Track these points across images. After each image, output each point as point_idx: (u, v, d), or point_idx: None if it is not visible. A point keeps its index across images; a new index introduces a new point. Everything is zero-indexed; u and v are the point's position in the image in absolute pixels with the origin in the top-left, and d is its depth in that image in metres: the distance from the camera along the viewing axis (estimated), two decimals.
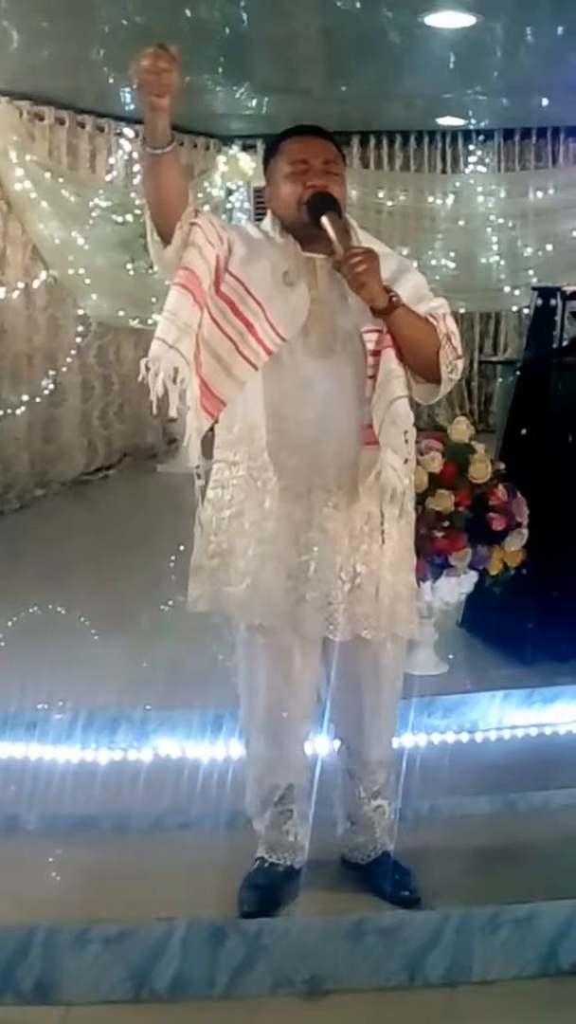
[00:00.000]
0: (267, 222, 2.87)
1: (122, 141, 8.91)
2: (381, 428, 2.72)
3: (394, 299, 2.70)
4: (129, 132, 8.77)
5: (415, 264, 2.99)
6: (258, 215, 2.90)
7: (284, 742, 3.04)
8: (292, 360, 2.77)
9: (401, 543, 2.94)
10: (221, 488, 2.92)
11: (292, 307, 2.75)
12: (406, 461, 2.81)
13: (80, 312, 8.67)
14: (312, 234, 2.74)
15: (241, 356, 2.72)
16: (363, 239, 2.82)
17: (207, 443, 2.82)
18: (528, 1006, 2.73)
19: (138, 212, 7.91)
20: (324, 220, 2.69)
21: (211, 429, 2.82)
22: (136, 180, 8.98)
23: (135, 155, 9.06)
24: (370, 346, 2.74)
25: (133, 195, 8.48)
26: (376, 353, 2.74)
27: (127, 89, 6.64)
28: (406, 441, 2.77)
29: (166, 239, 2.65)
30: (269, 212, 2.88)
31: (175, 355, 2.59)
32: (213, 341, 2.71)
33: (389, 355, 2.75)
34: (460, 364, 2.89)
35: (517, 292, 9.84)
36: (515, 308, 10.22)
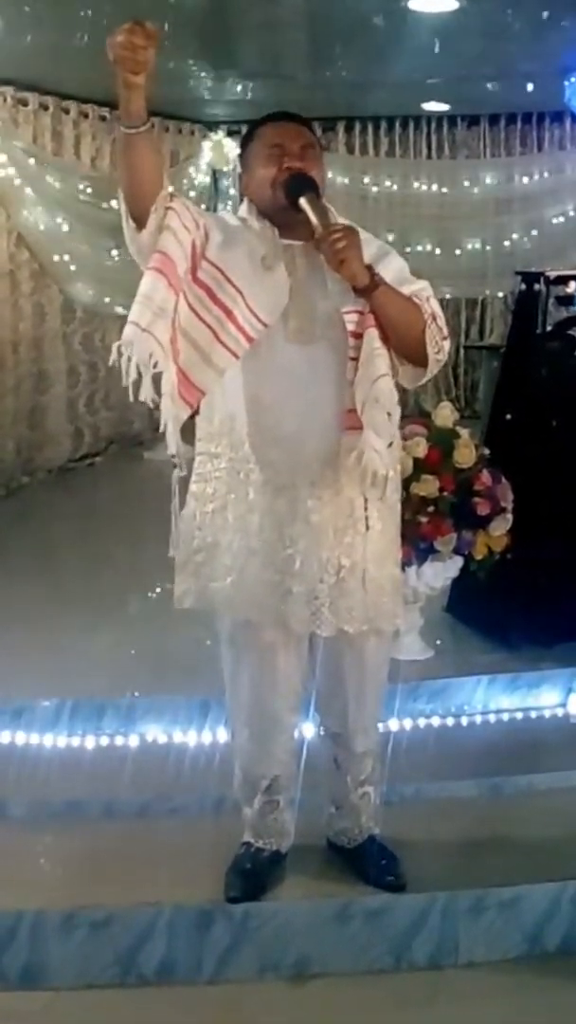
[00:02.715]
0: (243, 208, 2.82)
1: (107, 126, 8.88)
2: (364, 408, 2.66)
3: (376, 277, 2.65)
4: (109, 115, 8.74)
5: (404, 249, 2.96)
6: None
7: (270, 735, 3.03)
8: (271, 348, 2.72)
9: (385, 535, 2.89)
10: (204, 482, 2.88)
11: (272, 292, 2.70)
12: (390, 445, 2.74)
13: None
14: (290, 219, 2.70)
15: (220, 344, 2.66)
16: (343, 223, 2.76)
17: (190, 432, 2.79)
18: (513, 988, 2.75)
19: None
20: (302, 201, 2.64)
21: (192, 418, 2.77)
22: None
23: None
24: (351, 327, 2.67)
25: (118, 182, 8.46)
26: (358, 335, 2.67)
27: (112, 75, 6.59)
28: (390, 419, 2.71)
29: (140, 223, 2.59)
30: (245, 199, 2.83)
31: (149, 339, 2.53)
32: (191, 329, 2.65)
33: (372, 334, 2.68)
34: (447, 345, 2.83)
35: (502, 278, 9.83)
36: (500, 294, 10.22)
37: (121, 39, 2.33)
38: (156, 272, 2.56)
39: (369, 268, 2.64)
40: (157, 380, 2.57)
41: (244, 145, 2.86)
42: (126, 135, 2.52)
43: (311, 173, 2.72)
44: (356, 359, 2.68)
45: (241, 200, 2.87)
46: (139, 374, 2.53)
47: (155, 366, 2.54)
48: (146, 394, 2.56)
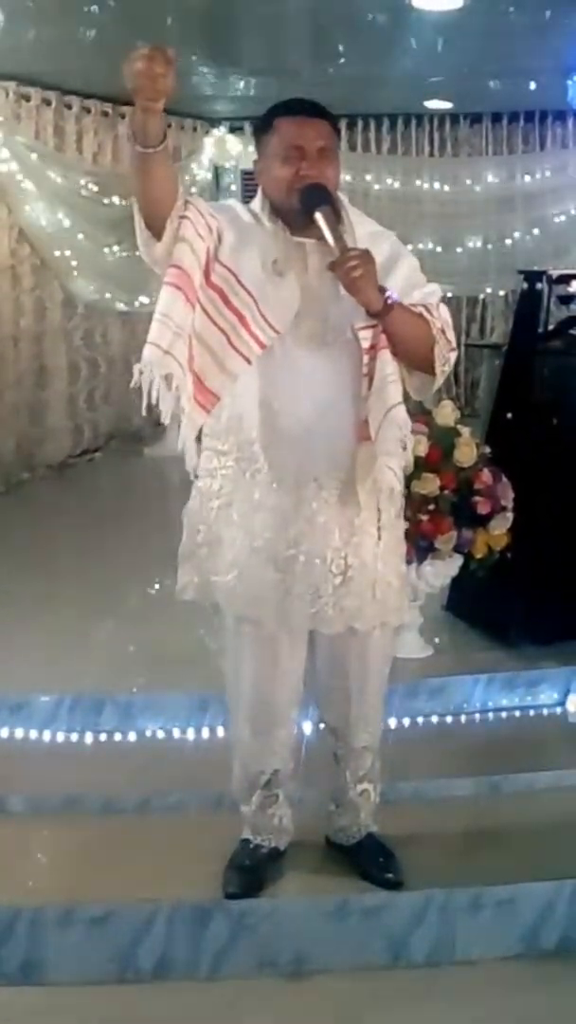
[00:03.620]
0: (257, 203, 2.80)
1: (109, 122, 8.89)
2: (378, 433, 2.69)
3: (389, 301, 2.65)
4: (111, 110, 8.75)
5: (406, 247, 2.94)
6: (246, 197, 2.87)
7: (270, 730, 3.03)
8: (282, 352, 2.72)
9: (392, 533, 2.91)
10: (210, 477, 2.88)
11: (283, 298, 2.69)
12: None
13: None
14: (302, 221, 2.68)
15: (233, 349, 2.67)
16: (354, 218, 2.77)
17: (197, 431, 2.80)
18: (511, 986, 2.75)
19: (125, 194, 7.89)
20: (318, 216, 2.62)
21: None
22: (123, 162, 8.96)
23: (121, 136, 9.04)
24: (365, 343, 2.68)
25: (120, 177, 8.47)
26: (372, 349, 2.68)
27: (114, 70, 6.59)
28: (404, 448, 2.76)
29: (156, 234, 2.58)
30: (260, 191, 2.80)
31: (169, 360, 2.53)
32: (205, 334, 2.65)
33: (385, 357, 2.70)
34: (453, 356, 2.84)
35: (504, 276, 9.82)
36: (501, 292, 10.22)
37: (141, 67, 2.28)
38: (174, 288, 2.55)
39: (382, 290, 2.64)
40: (177, 400, 2.58)
41: (261, 130, 2.79)
42: (142, 155, 2.50)
43: (327, 177, 2.70)
44: (369, 376, 2.69)
45: (244, 195, 2.86)
46: (158, 395, 2.54)
47: (175, 388, 2.56)
48: (165, 415, 2.58)
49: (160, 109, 2.39)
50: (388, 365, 2.71)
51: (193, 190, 9.46)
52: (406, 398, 2.82)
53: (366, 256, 2.61)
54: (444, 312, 2.83)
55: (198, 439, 2.80)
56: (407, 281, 2.78)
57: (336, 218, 2.67)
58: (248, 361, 2.69)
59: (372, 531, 2.84)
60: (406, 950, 2.81)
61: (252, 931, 2.83)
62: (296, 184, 2.68)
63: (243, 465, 2.81)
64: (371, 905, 2.90)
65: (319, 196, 2.66)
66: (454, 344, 2.84)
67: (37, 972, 2.75)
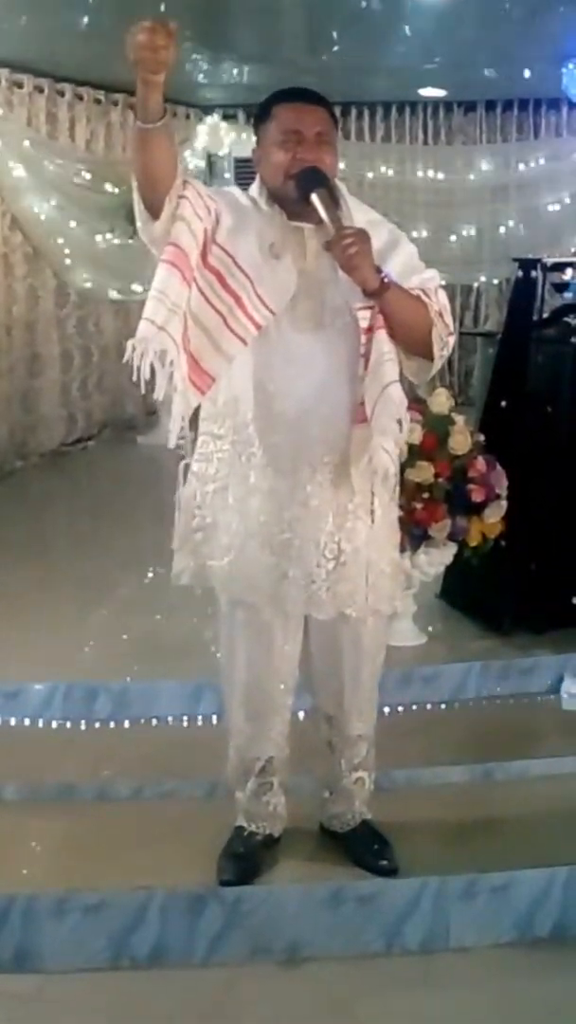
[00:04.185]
0: (255, 188, 2.80)
1: (102, 109, 8.87)
2: (374, 413, 2.68)
3: (385, 280, 2.65)
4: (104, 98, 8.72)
5: None
6: (239, 184, 2.86)
7: (264, 716, 3.04)
8: (279, 334, 2.72)
9: (386, 519, 2.92)
10: (205, 462, 2.88)
11: (280, 280, 2.70)
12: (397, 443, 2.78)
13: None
14: (300, 207, 2.69)
15: (230, 330, 2.66)
16: (352, 206, 2.77)
17: (193, 415, 2.79)
18: (505, 973, 2.76)
19: (119, 181, 7.86)
20: (314, 197, 2.63)
21: None
22: (116, 150, 8.94)
23: (114, 124, 9.01)
24: (363, 324, 2.68)
25: (113, 164, 8.45)
26: (369, 330, 2.68)
27: (107, 57, 6.56)
28: (400, 428, 2.74)
29: (154, 213, 2.58)
30: (257, 177, 2.81)
31: (164, 336, 2.52)
32: (201, 315, 2.65)
33: (381, 336, 2.69)
34: (452, 340, 2.84)
35: (497, 264, 9.82)
36: (496, 280, 10.22)
37: (143, 39, 2.30)
38: (170, 266, 2.55)
39: (378, 270, 2.64)
40: (170, 377, 2.57)
41: (260, 119, 2.80)
42: (142, 130, 2.50)
43: (325, 163, 2.70)
44: (366, 356, 2.69)
45: (238, 182, 2.86)
46: (152, 370, 2.52)
47: (169, 364, 2.54)
48: (159, 390, 2.55)
49: (160, 82, 2.40)
50: (385, 344, 2.70)
51: None
52: (402, 380, 2.81)
53: (362, 234, 2.62)
54: (442, 297, 2.83)
55: (194, 424, 2.80)
56: (405, 266, 2.79)
57: (333, 202, 2.67)
58: (244, 342, 2.69)
59: (365, 516, 2.84)
60: (400, 937, 2.82)
61: (246, 918, 2.83)
62: (293, 168, 2.69)
63: (238, 448, 2.81)
64: (365, 892, 2.90)
65: (316, 179, 2.66)
66: (452, 328, 2.84)
67: (32, 960, 2.76)
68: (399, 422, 2.72)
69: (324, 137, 2.74)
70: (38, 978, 2.73)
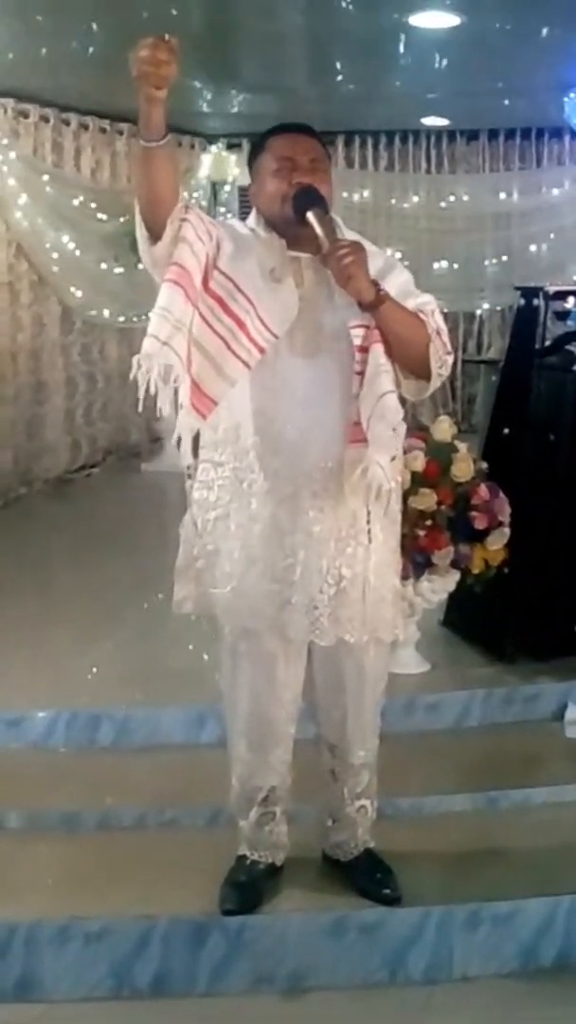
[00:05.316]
0: (252, 219, 2.84)
1: (107, 138, 8.92)
2: (369, 423, 2.67)
3: (381, 292, 2.66)
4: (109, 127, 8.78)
5: (403, 264, 2.96)
6: (243, 214, 2.89)
7: (267, 745, 3.03)
8: (277, 360, 2.73)
9: (386, 545, 2.91)
10: (207, 489, 2.89)
11: (282, 303, 2.71)
12: (393, 458, 2.77)
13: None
14: (297, 233, 2.71)
15: (232, 355, 2.67)
16: (349, 237, 2.77)
17: (193, 442, 2.80)
18: (508, 1003, 2.74)
19: (123, 210, 7.90)
20: (310, 215, 2.66)
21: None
22: (120, 179, 8.99)
23: (119, 153, 9.07)
24: (357, 342, 2.69)
25: (118, 193, 8.50)
26: (364, 349, 2.69)
27: (112, 87, 6.62)
28: (395, 435, 2.73)
29: (156, 235, 2.60)
30: (254, 209, 2.84)
31: (168, 352, 2.53)
32: (203, 340, 2.66)
33: (378, 350, 2.70)
34: (450, 359, 2.84)
35: (500, 292, 9.85)
36: (498, 308, 10.25)
37: (145, 54, 2.34)
38: (173, 284, 2.56)
39: (375, 283, 2.66)
40: (175, 393, 2.57)
41: (253, 154, 2.86)
42: (145, 149, 2.53)
43: (320, 187, 2.73)
44: (362, 374, 2.69)
45: (242, 212, 2.88)
46: (156, 387, 2.53)
47: (174, 380, 2.55)
48: (164, 407, 2.55)
49: (163, 98, 2.43)
50: (381, 356, 2.70)
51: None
52: (402, 402, 2.81)
53: (356, 246, 2.64)
54: (439, 319, 2.84)
55: (194, 451, 2.81)
56: (401, 289, 2.80)
57: (328, 219, 2.69)
58: (248, 366, 2.69)
59: (363, 539, 2.84)
60: (404, 966, 2.81)
61: (249, 947, 2.82)
62: (289, 192, 2.72)
63: (240, 475, 2.82)
64: (368, 921, 2.89)
65: (311, 197, 2.70)
66: (449, 347, 2.84)
67: (34, 989, 2.75)
68: (394, 431, 2.72)
69: (318, 164, 2.78)
70: (40, 1007, 2.72)
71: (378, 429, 2.68)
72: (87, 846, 3.41)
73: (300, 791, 3.17)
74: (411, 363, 2.80)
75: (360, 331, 2.69)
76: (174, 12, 5.43)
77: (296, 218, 2.70)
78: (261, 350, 2.70)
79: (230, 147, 10.16)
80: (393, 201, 10.22)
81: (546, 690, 4.36)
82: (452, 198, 10.20)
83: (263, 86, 7.74)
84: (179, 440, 2.66)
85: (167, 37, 2.36)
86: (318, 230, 2.65)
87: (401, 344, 2.75)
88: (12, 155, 7.98)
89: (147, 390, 2.52)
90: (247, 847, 3.15)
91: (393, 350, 2.74)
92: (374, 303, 2.65)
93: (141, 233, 2.65)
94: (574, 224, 9.85)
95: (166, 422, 2.62)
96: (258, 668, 2.95)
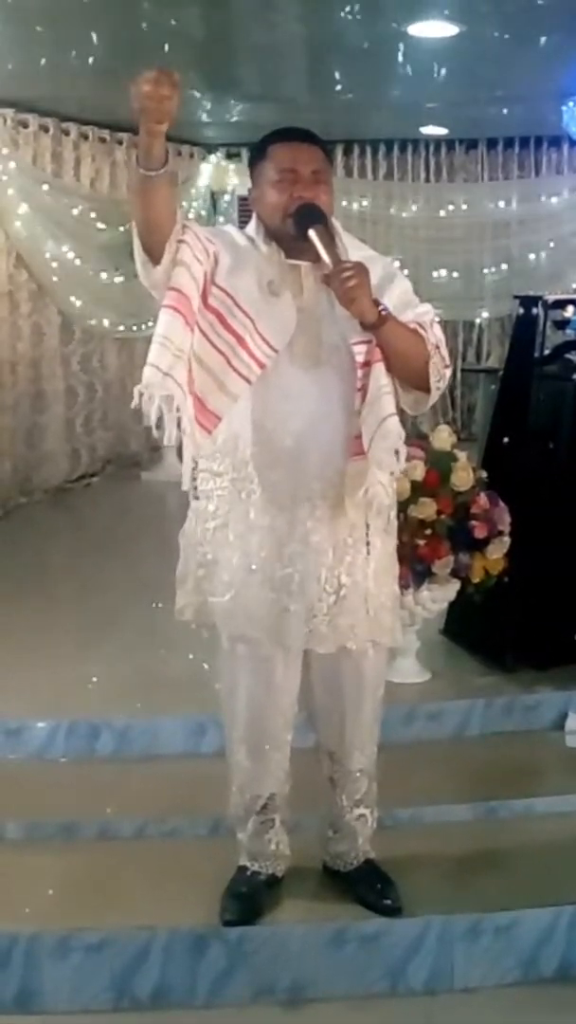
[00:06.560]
0: (252, 227, 2.84)
1: (106, 148, 8.94)
2: (371, 445, 2.69)
3: (383, 313, 2.67)
4: (109, 137, 8.78)
5: (402, 272, 2.97)
6: (242, 223, 2.89)
7: (266, 753, 3.03)
8: (276, 372, 2.74)
9: (384, 552, 2.93)
10: (206, 499, 2.89)
11: (280, 318, 2.72)
12: (392, 474, 2.81)
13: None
14: (297, 244, 2.72)
15: (233, 370, 2.69)
16: (348, 244, 2.79)
17: None
18: (509, 1014, 2.74)
19: (122, 220, 7.91)
20: (311, 234, 2.66)
21: None
22: (120, 188, 8.99)
23: (119, 162, 9.07)
24: (359, 358, 2.70)
25: (118, 203, 8.51)
26: (366, 364, 2.70)
27: (112, 96, 6.62)
28: (397, 456, 2.74)
29: (155, 258, 2.60)
30: (254, 216, 2.84)
31: (170, 382, 2.54)
32: (205, 356, 2.67)
33: (379, 369, 2.71)
34: (448, 373, 2.86)
35: (499, 301, 9.86)
36: (497, 316, 10.25)
37: (148, 90, 2.33)
38: (173, 311, 2.57)
39: (376, 303, 2.66)
40: (178, 422, 2.60)
41: (255, 158, 2.84)
42: (145, 178, 2.52)
43: (320, 201, 2.73)
44: (363, 390, 2.70)
45: (241, 222, 2.88)
46: (160, 416, 2.55)
47: (176, 410, 2.57)
48: (169, 437, 2.59)
49: (164, 132, 2.43)
50: (383, 377, 2.72)
51: (190, 216, 9.50)
52: (401, 413, 2.82)
53: (360, 267, 2.64)
54: (438, 331, 2.85)
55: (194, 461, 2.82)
56: (400, 300, 2.81)
57: (330, 238, 2.69)
58: (248, 381, 2.71)
59: (362, 549, 2.85)
60: (404, 977, 2.80)
61: (249, 958, 2.82)
62: (291, 207, 2.72)
63: (238, 485, 2.82)
64: (369, 932, 2.89)
65: (313, 215, 2.70)
66: (448, 361, 2.86)
67: (34, 1000, 2.74)
68: (396, 452, 2.73)
69: (320, 176, 2.78)
70: (40, 1019, 2.71)
71: (380, 452, 2.70)
72: (87, 856, 3.40)
73: (300, 802, 3.17)
74: (411, 377, 2.81)
75: (362, 347, 2.70)
76: (173, 22, 5.44)
77: (297, 234, 2.70)
78: (261, 365, 2.71)
79: (229, 156, 10.18)
80: (392, 210, 10.22)
81: (546, 699, 4.35)
82: (451, 207, 10.21)
83: (262, 95, 7.75)
84: (190, 463, 2.71)
85: (170, 72, 2.34)
86: (320, 249, 2.65)
87: (402, 361, 2.76)
88: (12, 165, 7.99)
89: (151, 421, 2.55)
90: (247, 858, 3.15)
91: (393, 366, 2.75)
92: (376, 324, 2.66)
93: (139, 256, 2.66)
94: (573, 233, 9.86)
95: (166, 434, 2.63)
96: (256, 674, 2.95)
